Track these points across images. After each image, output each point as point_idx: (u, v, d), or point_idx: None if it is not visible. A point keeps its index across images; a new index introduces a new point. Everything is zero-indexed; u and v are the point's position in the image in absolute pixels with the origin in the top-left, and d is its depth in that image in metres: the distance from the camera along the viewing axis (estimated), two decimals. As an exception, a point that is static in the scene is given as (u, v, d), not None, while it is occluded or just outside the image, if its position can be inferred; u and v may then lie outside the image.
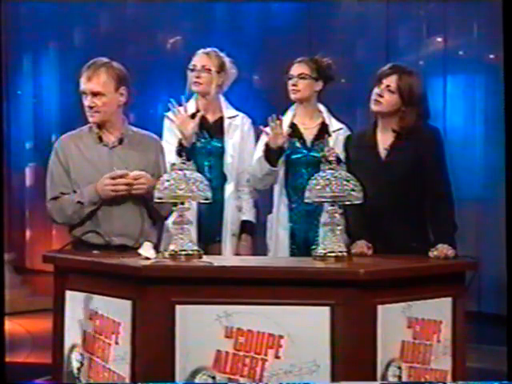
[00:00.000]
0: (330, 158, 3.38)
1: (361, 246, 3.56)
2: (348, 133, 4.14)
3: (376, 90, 3.64)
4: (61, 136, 3.74)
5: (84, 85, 3.58)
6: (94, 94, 3.55)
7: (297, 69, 4.14)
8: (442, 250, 3.42)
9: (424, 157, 3.60)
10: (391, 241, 3.57)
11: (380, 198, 3.56)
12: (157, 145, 3.77)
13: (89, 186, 3.53)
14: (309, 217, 4.09)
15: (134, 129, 3.72)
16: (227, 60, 4.22)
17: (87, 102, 3.57)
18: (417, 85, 3.64)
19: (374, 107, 3.66)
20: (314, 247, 3.31)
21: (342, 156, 3.82)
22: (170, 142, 4.10)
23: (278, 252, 4.14)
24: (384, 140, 3.68)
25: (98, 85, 3.55)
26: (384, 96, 3.62)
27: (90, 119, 3.61)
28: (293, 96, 4.16)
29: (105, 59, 3.62)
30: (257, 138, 4.25)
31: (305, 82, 4.12)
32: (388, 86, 3.62)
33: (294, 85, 4.13)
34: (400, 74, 3.62)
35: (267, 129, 4.03)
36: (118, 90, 3.59)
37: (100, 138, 3.63)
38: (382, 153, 3.68)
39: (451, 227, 3.57)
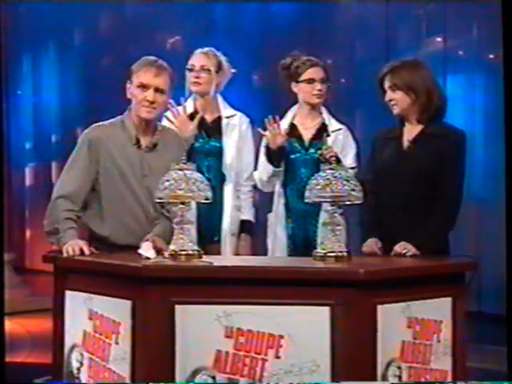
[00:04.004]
0: (328, 156, 3.38)
1: (371, 245, 3.56)
2: (348, 133, 4.15)
3: (386, 98, 3.66)
4: (92, 125, 3.67)
5: (149, 80, 3.56)
6: (158, 91, 3.57)
7: (317, 73, 4.11)
8: (401, 247, 3.44)
9: (445, 157, 3.59)
10: (405, 239, 3.53)
11: (396, 189, 3.56)
12: (180, 143, 3.74)
13: (70, 232, 3.46)
14: (307, 216, 4.09)
15: (161, 127, 3.72)
16: (224, 59, 4.23)
17: (150, 96, 3.55)
18: (415, 74, 3.63)
19: (394, 111, 3.67)
20: (315, 248, 3.31)
21: (352, 152, 3.85)
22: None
23: (276, 251, 4.15)
24: (409, 132, 3.68)
25: (164, 83, 3.58)
26: (393, 98, 3.64)
27: (147, 115, 3.58)
28: (317, 100, 4.13)
29: (162, 61, 3.64)
30: (255, 139, 4.25)
31: (324, 85, 4.12)
32: (390, 86, 3.63)
33: (320, 90, 4.12)
34: (394, 72, 3.63)
35: (267, 132, 4.03)
36: (169, 94, 3.66)
37: (137, 140, 3.61)
38: (405, 143, 3.68)
39: (442, 229, 3.57)
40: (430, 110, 3.63)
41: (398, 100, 3.63)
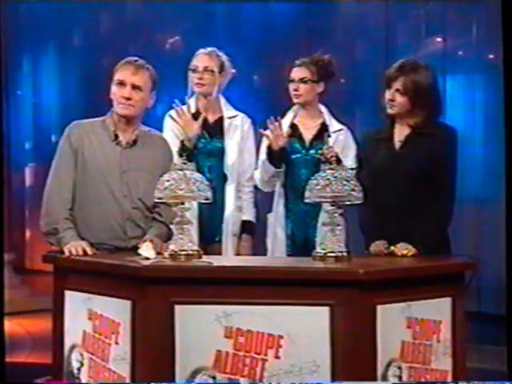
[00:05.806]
0: (329, 156, 3.38)
1: (379, 246, 3.55)
2: (348, 133, 4.15)
3: (387, 95, 3.64)
4: (72, 123, 3.69)
5: (126, 77, 3.60)
6: (134, 88, 3.59)
7: (297, 73, 4.12)
8: (400, 248, 3.44)
9: (437, 155, 3.59)
10: (405, 239, 3.53)
11: (393, 190, 3.56)
12: (166, 145, 3.77)
13: (70, 232, 3.48)
14: (306, 216, 4.10)
15: (146, 128, 3.73)
16: (226, 59, 4.22)
17: (126, 92, 3.58)
18: (424, 81, 3.62)
19: (389, 110, 3.66)
20: (314, 249, 3.31)
21: (352, 153, 3.88)
22: (170, 142, 4.09)
23: (276, 251, 4.15)
24: (400, 132, 3.68)
25: (141, 80, 3.60)
26: (396, 99, 3.63)
27: (123, 111, 3.60)
28: (295, 100, 4.15)
29: (143, 61, 3.67)
30: (257, 140, 4.25)
31: (306, 85, 4.11)
32: (397, 89, 3.61)
33: (295, 89, 4.12)
34: (407, 76, 3.60)
35: (267, 131, 4.03)
36: (151, 93, 3.65)
37: (116, 136, 3.63)
38: (397, 144, 3.68)
39: (439, 227, 3.58)
40: (427, 114, 3.63)
41: (400, 103, 3.62)
